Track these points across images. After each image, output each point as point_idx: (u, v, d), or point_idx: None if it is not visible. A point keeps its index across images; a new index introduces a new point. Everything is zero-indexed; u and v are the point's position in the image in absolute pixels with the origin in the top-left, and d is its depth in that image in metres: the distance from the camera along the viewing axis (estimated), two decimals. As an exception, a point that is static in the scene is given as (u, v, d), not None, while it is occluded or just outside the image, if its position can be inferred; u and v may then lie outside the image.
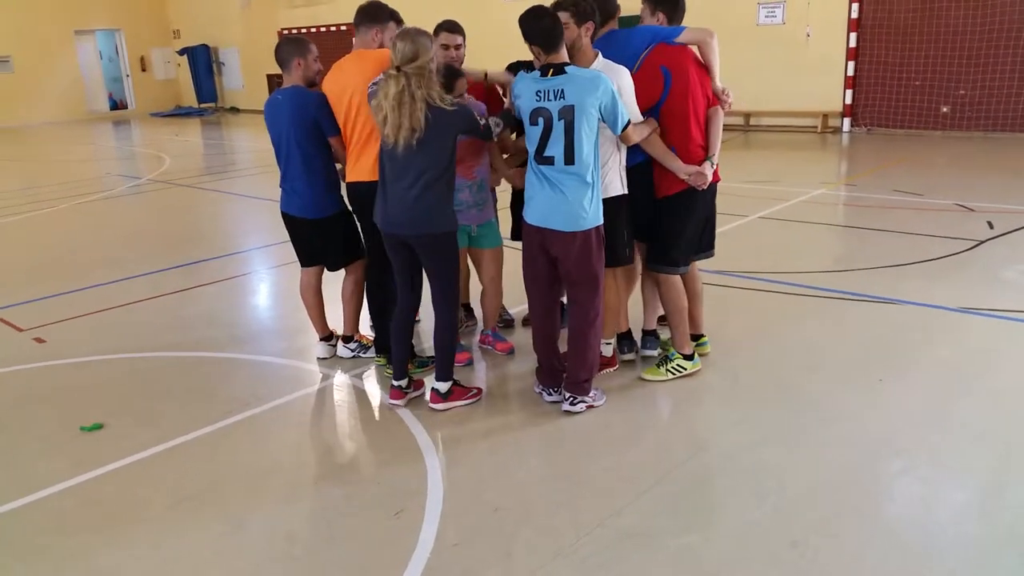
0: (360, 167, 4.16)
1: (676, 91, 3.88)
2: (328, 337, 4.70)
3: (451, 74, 3.97)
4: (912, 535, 2.87)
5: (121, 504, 3.27)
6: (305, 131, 4.20)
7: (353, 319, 4.63)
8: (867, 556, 2.75)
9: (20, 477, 3.51)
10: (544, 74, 3.59)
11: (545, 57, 3.61)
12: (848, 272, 5.88)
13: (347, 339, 4.65)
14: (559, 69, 3.57)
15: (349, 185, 4.26)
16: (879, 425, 3.66)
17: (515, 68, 4.25)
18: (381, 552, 2.90)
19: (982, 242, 6.40)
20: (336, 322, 4.74)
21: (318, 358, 4.67)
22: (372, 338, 4.69)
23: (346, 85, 4.09)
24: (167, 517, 3.16)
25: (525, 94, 3.67)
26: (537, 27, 3.60)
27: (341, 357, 4.65)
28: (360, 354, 4.63)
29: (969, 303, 5.05)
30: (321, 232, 4.40)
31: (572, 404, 3.89)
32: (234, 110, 23.85)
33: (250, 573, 2.81)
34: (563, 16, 3.70)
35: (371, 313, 4.52)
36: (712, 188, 4.06)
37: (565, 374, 3.93)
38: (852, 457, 3.38)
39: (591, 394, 3.91)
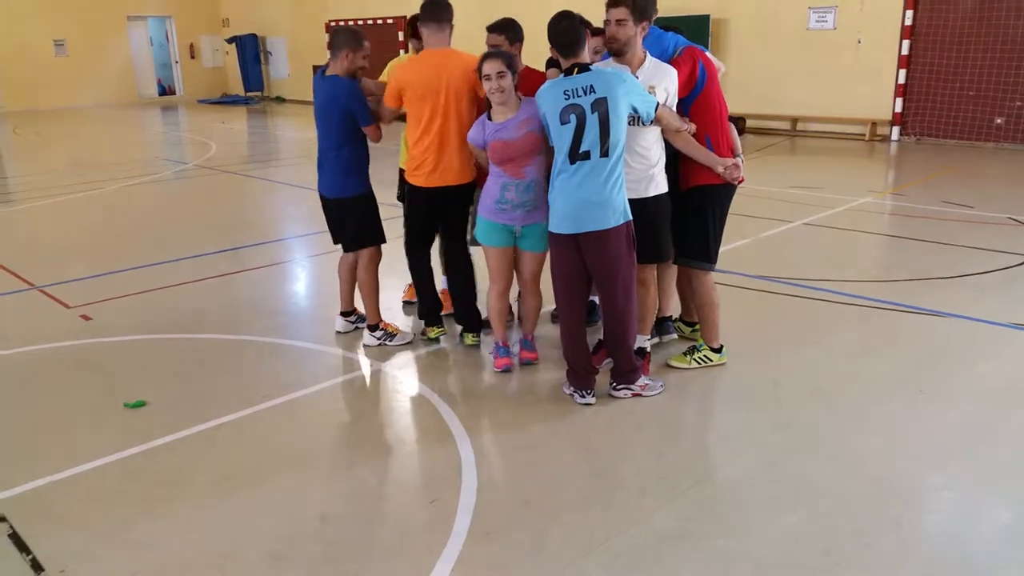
0: (444, 171, 4.34)
1: (710, 88, 3.99)
2: (348, 313, 4.89)
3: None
4: (949, 550, 2.82)
5: (161, 479, 3.34)
6: (334, 119, 4.36)
7: (373, 308, 4.69)
8: (901, 568, 2.70)
9: (64, 449, 3.60)
10: (569, 73, 3.68)
11: (565, 60, 3.73)
12: (893, 283, 5.78)
13: (372, 328, 4.72)
14: (583, 67, 3.67)
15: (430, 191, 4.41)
16: (920, 438, 3.59)
17: (554, 62, 4.27)
18: (414, 539, 2.92)
19: (1034, 257, 6.25)
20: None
21: (336, 331, 4.88)
22: (398, 326, 4.78)
23: (439, 81, 4.19)
24: (205, 494, 3.22)
25: (549, 98, 3.70)
26: (554, 31, 3.74)
27: (367, 345, 4.70)
28: (386, 342, 4.69)
29: (1018, 319, 4.93)
30: (341, 212, 4.58)
31: (615, 389, 3.97)
32: (279, 99, 24.12)
33: (284, 552, 2.84)
34: (621, 12, 3.75)
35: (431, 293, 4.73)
36: (734, 188, 4.10)
37: (611, 367, 3.99)
38: (891, 469, 3.33)
39: (639, 383, 3.95)
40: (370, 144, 4.51)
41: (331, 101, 4.34)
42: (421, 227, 4.58)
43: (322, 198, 4.62)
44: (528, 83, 4.18)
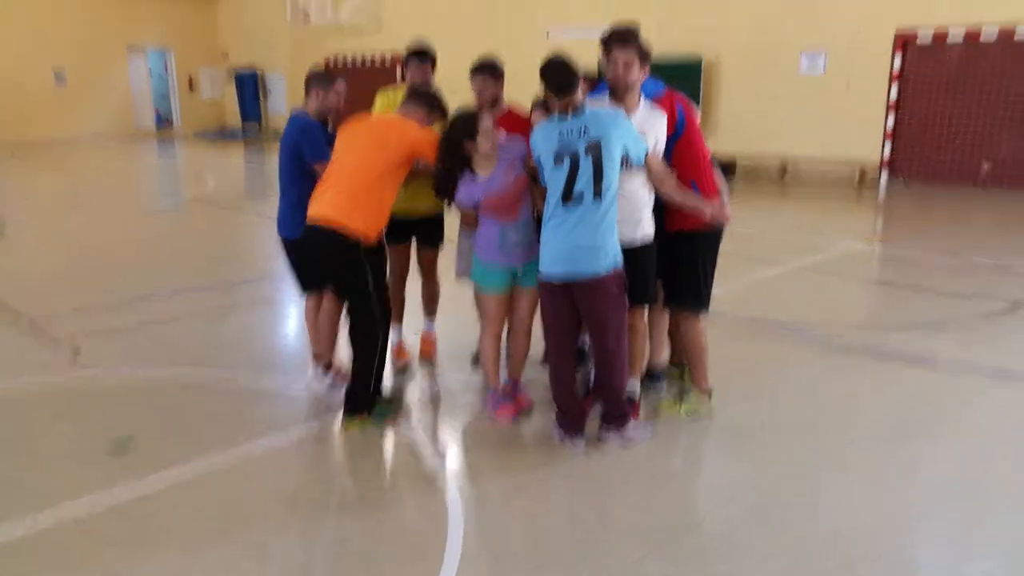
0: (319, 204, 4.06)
1: (691, 131, 4.02)
2: (320, 357, 4.73)
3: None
4: (940, 605, 2.81)
5: (146, 522, 3.31)
6: (286, 153, 4.42)
7: (317, 343, 4.68)
8: (892, 624, 2.70)
9: (47, 488, 3.56)
10: (564, 115, 3.71)
11: (559, 102, 3.75)
12: (880, 328, 5.81)
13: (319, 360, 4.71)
14: (578, 109, 3.71)
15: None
16: (908, 486, 3.59)
17: (539, 105, 4.32)
18: (399, 587, 2.89)
19: (1022, 304, 6.30)
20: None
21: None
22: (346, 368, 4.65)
23: (360, 132, 4.11)
24: (190, 538, 3.19)
25: (544, 139, 3.73)
26: (549, 73, 3.77)
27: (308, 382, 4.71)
28: (325, 378, 4.66)
29: (1006, 366, 4.96)
30: (292, 253, 4.56)
31: (604, 434, 3.95)
32: (277, 134, 24.24)
33: (268, 600, 2.81)
34: (628, 54, 3.78)
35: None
36: (722, 230, 4.12)
37: (601, 411, 3.98)
38: (878, 517, 3.33)
39: (628, 428, 3.95)
40: None
41: (285, 135, 4.42)
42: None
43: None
44: (512, 126, 4.22)
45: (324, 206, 3.98)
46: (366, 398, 4.19)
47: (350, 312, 4.17)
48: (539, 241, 3.89)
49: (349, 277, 4.04)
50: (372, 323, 4.10)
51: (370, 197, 3.98)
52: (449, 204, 4.16)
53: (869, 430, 4.16)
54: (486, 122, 3.94)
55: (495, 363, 4.29)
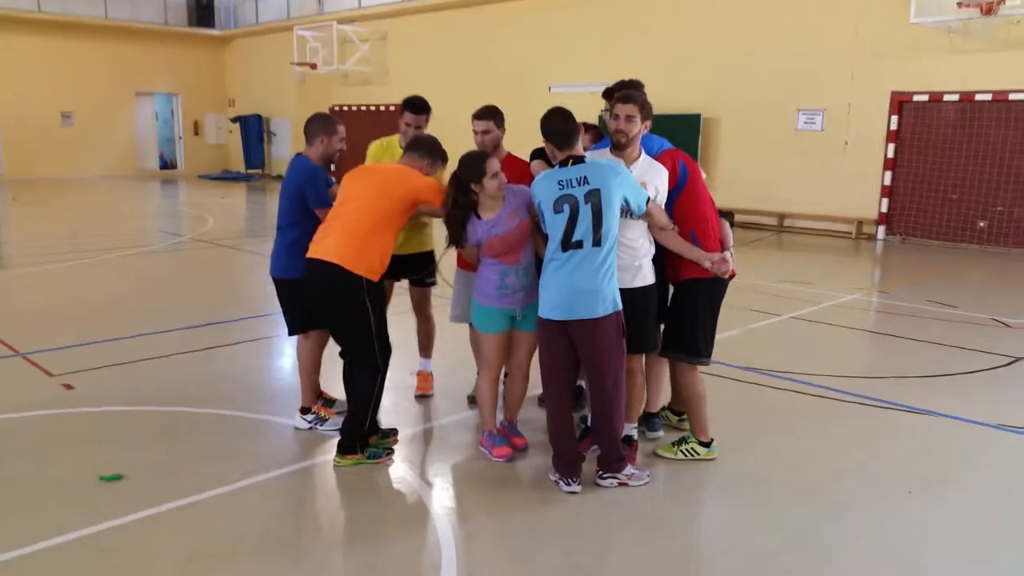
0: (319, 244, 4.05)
1: (695, 184, 4.10)
2: (322, 399, 4.73)
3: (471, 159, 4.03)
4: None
5: (133, 558, 3.25)
6: (289, 196, 4.43)
7: (309, 390, 4.62)
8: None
9: (35, 522, 3.50)
10: (564, 164, 3.79)
11: (560, 153, 3.84)
12: (879, 379, 5.79)
13: (304, 410, 4.63)
14: (578, 159, 3.78)
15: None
16: (910, 540, 3.53)
17: (538, 154, 4.39)
18: (389, 629, 2.83)
19: (1019, 359, 6.29)
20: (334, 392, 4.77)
21: (295, 428, 4.62)
22: (333, 410, 4.64)
23: (365, 178, 4.15)
24: (177, 575, 3.13)
25: (545, 188, 3.79)
26: (550, 125, 3.87)
27: (298, 428, 4.60)
28: (316, 426, 4.58)
29: (1006, 420, 4.93)
30: (283, 292, 4.57)
31: (601, 478, 3.91)
32: (280, 178, 24.51)
33: (254, 639, 2.75)
34: (631, 109, 3.91)
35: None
36: (725, 282, 4.13)
37: (598, 454, 3.94)
38: (879, 572, 3.27)
39: (625, 472, 3.90)
40: None
41: (288, 176, 4.45)
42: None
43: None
44: (511, 171, 4.27)
45: (326, 248, 3.98)
46: (360, 437, 4.14)
47: (348, 351, 4.14)
48: (539, 285, 3.90)
49: (351, 314, 4.01)
50: (372, 362, 4.08)
51: (372, 242, 3.99)
52: (455, 245, 4.17)
53: (870, 481, 4.11)
54: (494, 164, 3.98)
55: (492, 405, 4.26)
